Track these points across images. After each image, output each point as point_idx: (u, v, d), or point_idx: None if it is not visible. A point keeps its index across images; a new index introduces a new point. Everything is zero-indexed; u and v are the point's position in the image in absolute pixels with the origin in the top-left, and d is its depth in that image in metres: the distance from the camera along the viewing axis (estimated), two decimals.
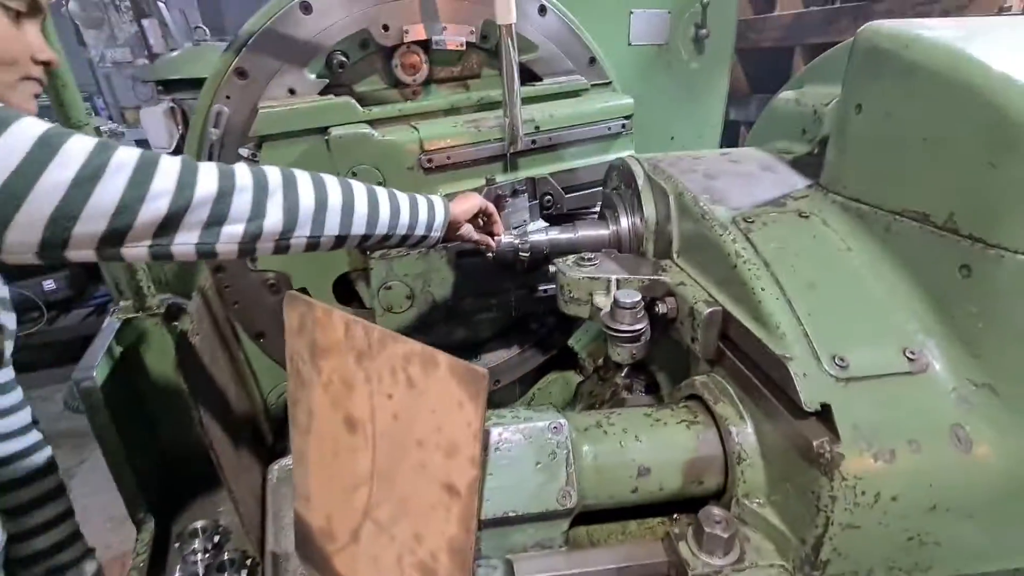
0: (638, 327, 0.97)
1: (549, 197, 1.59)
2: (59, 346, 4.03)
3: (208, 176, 0.76)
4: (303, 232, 0.87)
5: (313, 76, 1.45)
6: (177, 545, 1.48)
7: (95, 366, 1.42)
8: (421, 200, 1.09)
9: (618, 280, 1.09)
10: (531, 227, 1.50)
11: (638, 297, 0.97)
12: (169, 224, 0.73)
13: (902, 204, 0.85)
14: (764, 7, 3.46)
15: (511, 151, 1.48)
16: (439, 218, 1.11)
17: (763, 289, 0.86)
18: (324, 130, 1.43)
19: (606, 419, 0.97)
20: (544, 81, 1.62)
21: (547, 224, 1.52)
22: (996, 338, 0.73)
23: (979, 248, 0.73)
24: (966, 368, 0.76)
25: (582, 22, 1.65)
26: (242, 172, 0.81)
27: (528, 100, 1.56)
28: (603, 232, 1.38)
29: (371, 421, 0.87)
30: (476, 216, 1.24)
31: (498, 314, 1.72)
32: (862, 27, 0.96)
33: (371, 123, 1.46)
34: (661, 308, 1.05)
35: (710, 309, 0.94)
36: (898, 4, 2.65)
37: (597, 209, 1.73)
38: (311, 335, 0.93)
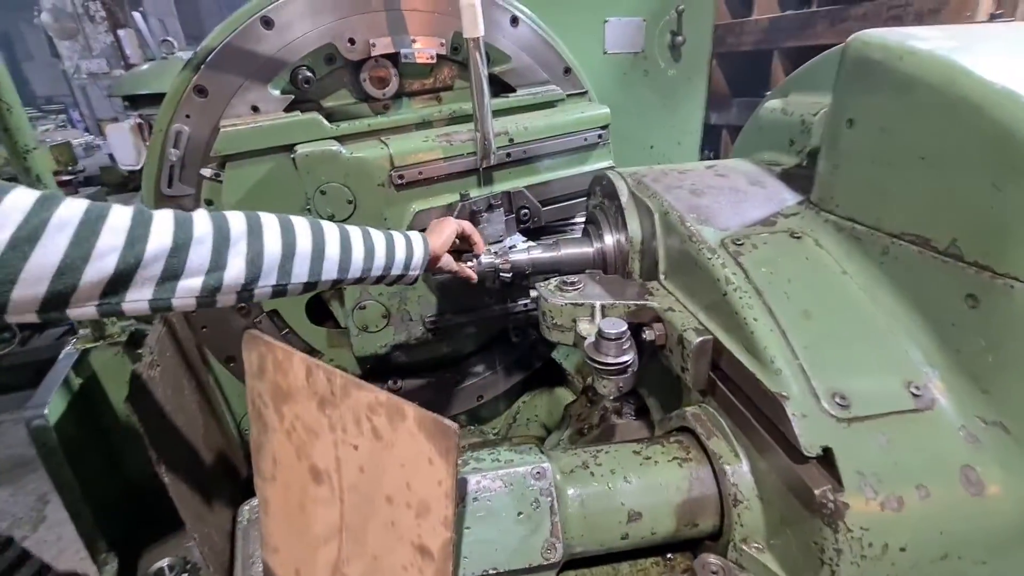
0: (624, 359, 0.91)
1: (526, 211, 1.53)
2: (32, 367, 3.88)
3: (162, 227, 0.70)
4: (268, 282, 0.81)
5: (277, 92, 1.37)
6: None
7: (47, 403, 1.33)
8: (398, 238, 1.04)
9: (603, 306, 1.03)
10: (508, 242, 1.45)
11: (624, 327, 0.91)
12: (118, 282, 0.67)
13: (900, 227, 0.80)
14: (741, 11, 3.44)
15: (483, 165, 1.42)
16: (417, 255, 1.06)
17: (755, 320, 0.80)
18: (290, 148, 1.36)
19: (593, 459, 0.90)
20: (518, 92, 1.57)
21: (524, 239, 1.47)
22: (1007, 373, 0.68)
23: (986, 277, 0.68)
24: (975, 404, 0.71)
25: (556, 32, 1.59)
26: (201, 221, 0.75)
27: (501, 112, 1.51)
28: (587, 250, 1.32)
29: (337, 472, 0.80)
30: (454, 243, 1.19)
31: (478, 329, 1.66)
32: (851, 37, 0.91)
33: (340, 139, 1.38)
34: (648, 335, 0.99)
35: (700, 339, 0.88)
36: (873, 8, 2.64)
37: (576, 221, 1.69)
38: (272, 378, 0.86)
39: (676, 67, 2.16)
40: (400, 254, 1.02)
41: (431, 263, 1.12)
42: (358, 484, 0.77)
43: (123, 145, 2.53)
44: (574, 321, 1.05)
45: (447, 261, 1.18)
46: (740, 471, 0.83)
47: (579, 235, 1.63)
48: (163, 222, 0.71)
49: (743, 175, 1.21)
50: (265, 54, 1.33)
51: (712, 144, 3.94)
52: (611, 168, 1.60)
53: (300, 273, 0.85)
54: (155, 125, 1.42)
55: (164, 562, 1.46)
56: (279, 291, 0.84)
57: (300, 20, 1.32)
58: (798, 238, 0.94)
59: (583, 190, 1.57)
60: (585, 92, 1.67)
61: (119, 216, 0.67)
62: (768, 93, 1.63)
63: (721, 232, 0.97)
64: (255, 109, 1.38)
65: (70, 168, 3.47)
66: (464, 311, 1.59)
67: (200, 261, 0.73)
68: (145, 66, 2.85)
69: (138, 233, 0.68)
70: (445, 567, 0.68)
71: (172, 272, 0.71)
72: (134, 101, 2.63)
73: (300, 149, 1.33)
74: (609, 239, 1.28)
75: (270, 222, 0.83)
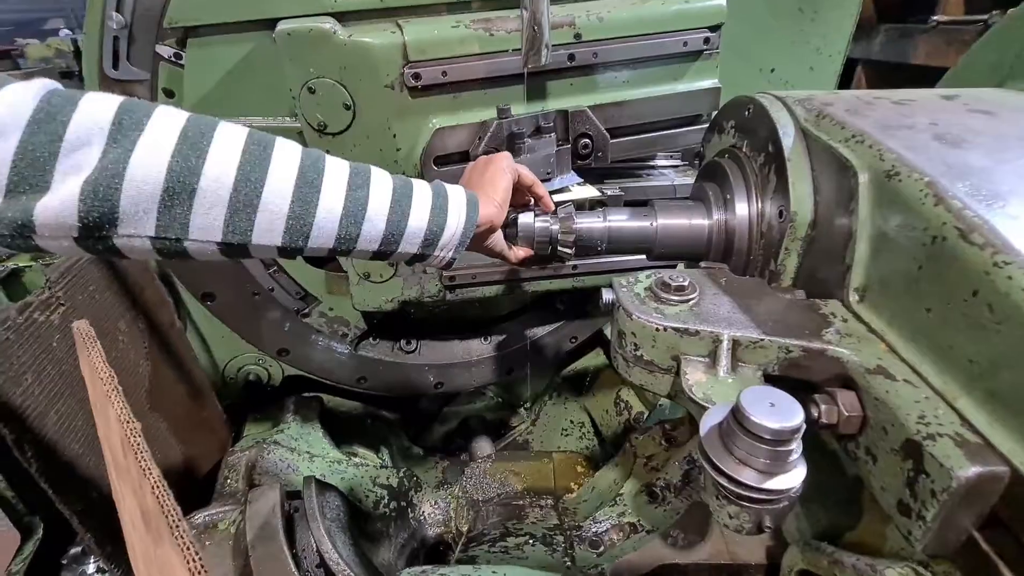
0: (784, 486, 0.43)
1: (587, 141, 1.09)
2: None
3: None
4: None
5: None
6: (65, 562, 1.11)
7: None
8: (429, 192, 0.67)
9: (735, 342, 0.55)
10: (557, 182, 1.00)
11: (799, 419, 0.43)
12: None
13: None
14: None
15: (530, 68, 0.94)
16: (452, 227, 0.67)
17: None
18: (275, 23, 0.92)
19: None
20: None
21: (581, 180, 1.07)
22: None
23: None
24: None
25: None
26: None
27: None
28: (700, 223, 0.82)
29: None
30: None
31: (512, 291, 1.24)
32: None
33: (341, 16, 0.93)
34: (825, 413, 0.51)
35: (978, 469, 0.39)
36: None
37: (659, 163, 1.30)
38: (101, 424, 0.46)
39: None
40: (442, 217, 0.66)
41: (475, 240, 0.71)
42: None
43: None
44: (675, 360, 0.58)
45: (496, 239, 0.76)
46: None
47: (662, 182, 1.23)
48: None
49: None
50: None
51: (840, 84, 3.03)
52: (717, 90, 1.15)
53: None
54: None
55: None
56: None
57: None
58: None
59: (671, 119, 1.15)
60: None
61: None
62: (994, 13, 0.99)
63: None
64: None
65: None
66: (494, 268, 1.18)
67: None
68: None
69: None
70: None
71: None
72: None
73: (282, 25, 0.90)
74: (743, 210, 0.76)
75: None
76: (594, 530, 0.90)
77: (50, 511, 1.14)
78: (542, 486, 1.22)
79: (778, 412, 0.43)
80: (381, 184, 0.62)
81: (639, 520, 0.88)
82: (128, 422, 0.39)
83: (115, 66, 0.98)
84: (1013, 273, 0.41)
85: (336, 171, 0.59)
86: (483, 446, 1.62)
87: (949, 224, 0.47)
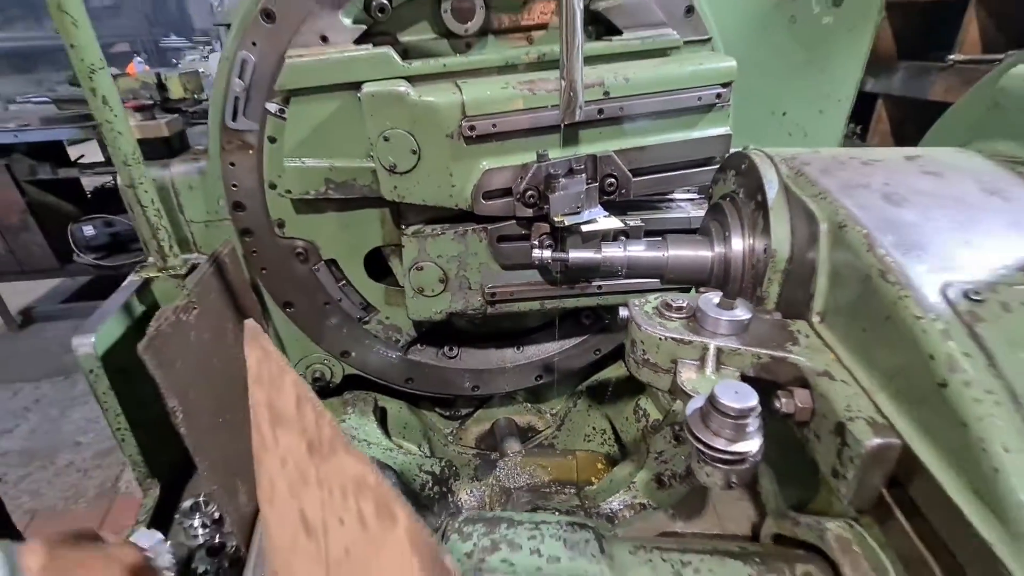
0: (744, 449, 0.61)
1: (612, 180, 1.24)
2: None
3: None
4: None
5: (349, 21, 1.16)
6: (177, 517, 1.34)
7: (96, 331, 1.27)
8: None
9: (719, 350, 0.72)
10: (586, 215, 1.18)
11: (754, 401, 0.60)
12: None
13: None
14: None
15: (566, 122, 1.13)
16: None
17: (1007, 451, 0.46)
18: (359, 85, 1.15)
19: (674, 570, 0.63)
20: (625, 35, 1.24)
21: (606, 212, 1.21)
22: None
23: None
24: None
25: None
26: None
27: (601, 58, 1.22)
28: (704, 254, 0.99)
29: (324, 537, 0.60)
30: None
31: (543, 306, 1.43)
32: None
33: (412, 79, 1.15)
34: (785, 406, 0.68)
35: (878, 440, 0.56)
36: None
37: (676, 198, 1.43)
38: (268, 392, 0.67)
39: (835, 12, 1.63)
40: None
41: None
42: (343, 565, 0.57)
43: None
44: (674, 363, 0.75)
45: None
46: None
47: (676, 215, 1.37)
48: None
49: (971, 177, 0.80)
50: None
51: (861, 117, 3.12)
52: (728, 136, 1.30)
53: None
54: (222, 51, 1.27)
55: (200, 496, 1.40)
56: None
57: None
58: None
59: (686, 161, 1.29)
60: (708, 39, 1.30)
61: None
62: (1010, 53, 1.14)
63: (942, 273, 0.61)
64: (324, 39, 1.19)
65: (196, 96, 3.58)
66: (530, 286, 1.37)
67: None
68: None
69: None
70: None
71: None
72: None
73: (366, 88, 1.13)
74: (738, 245, 0.94)
75: None
76: (609, 508, 1.07)
77: (167, 475, 1.38)
78: (566, 478, 1.39)
79: (740, 397, 0.60)
80: None
81: (648, 501, 1.04)
82: (302, 385, 0.59)
83: (234, 118, 1.23)
84: (910, 305, 0.58)
85: None
86: (513, 445, 1.80)
87: (875, 266, 0.64)
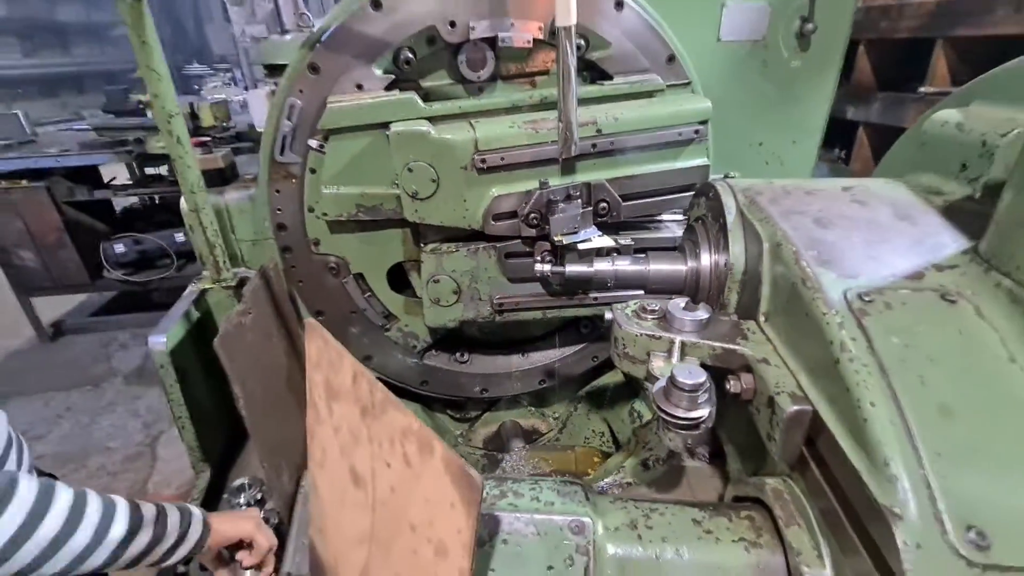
0: (696, 415, 0.79)
1: (604, 204, 1.43)
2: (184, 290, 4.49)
3: None
4: None
5: (380, 72, 1.38)
6: (226, 496, 1.51)
7: (167, 331, 1.48)
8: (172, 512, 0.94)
9: (683, 343, 0.90)
10: (582, 235, 1.36)
11: (702, 378, 0.79)
12: None
13: None
14: None
15: (563, 156, 1.33)
16: (194, 532, 0.96)
17: (873, 405, 0.64)
18: (387, 125, 1.36)
19: (644, 518, 0.81)
20: (615, 80, 1.44)
21: (599, 232, 1.38)
22: None
23: None
24: None
25: (667, 16, 1.44)
26: None
27: (594, 100, 1.42)
28: (679, 268, 1.18)
29: (372, 483, 0.78)
30: (239, 545, 1.06)
31: (547, 316, 1.61)
32: None
33: (432, 119, 1.36)
34: (734, 386, 0.86)
35: (795, 408, 0.74)
36: None
37: (660, 219, 1.59)
38: (326, 373, 0.86)
39: (802, 57, 1.84)
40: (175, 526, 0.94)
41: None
42: (388, 502, 0.75)
43: (259, 109, 2.73)
44: (648, 355, 0.94)
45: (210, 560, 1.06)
46: None
47: (662, 235, 1.53)
48: None
49: (889, 205, 0.99)
50: (373, 35, 1.33)
51: (845, 142, 3.34)
52: (706, 166, 1.48)
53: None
54: (275, 96, 1.49)
55: (245, 479, 1.57)
56: None
57: (406, 2, 1.31)
58: (952, 302, 0.74)
59: (669, 187, 1.46)
60: (688, 83, 1.50)
61: None
62: (938, 96, 1.33)
63: (846, 280, 0.79)
64: (359, 87, 1.40)
65: (224, 124, 3.86)
66: (533, 297, 1.54)
67: None
68: (289, 36, 3.02)
69: None
70: None
71: None
72: (271, 70, 2.81)
73: (394, 127, 1.33)
74: (706, 260, 1.12)
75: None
76: (600, 487, 1.24)
77: (217, 459, 1.57)
78: (566, 469, 1.56)
79: (692, 375, 0.78)
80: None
81: (634, 480, 1.21)
82: (357, 365, 0.78)
83: (282, 153, 1.44)
84: (819, 305, 0.76)
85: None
86: (517, 445, 1.97)
87: (799, 276, 0.83)
